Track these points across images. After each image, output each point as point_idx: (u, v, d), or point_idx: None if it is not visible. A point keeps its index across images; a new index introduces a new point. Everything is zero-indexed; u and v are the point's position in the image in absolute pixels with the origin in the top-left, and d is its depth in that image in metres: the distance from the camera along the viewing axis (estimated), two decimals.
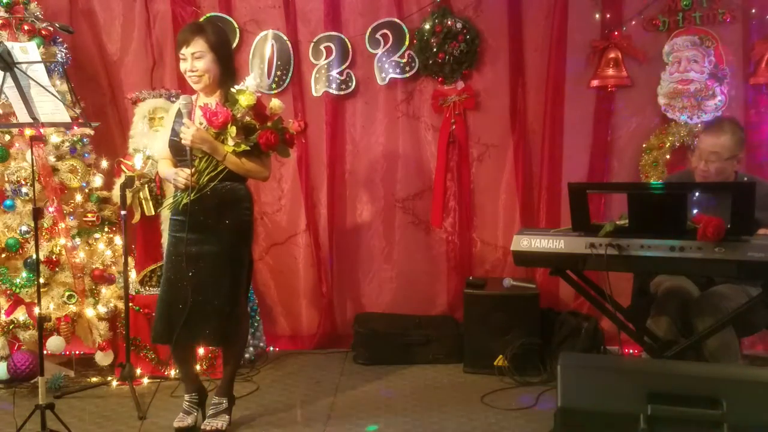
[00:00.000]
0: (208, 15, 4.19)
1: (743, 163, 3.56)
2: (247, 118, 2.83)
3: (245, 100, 2.78)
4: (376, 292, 4.40)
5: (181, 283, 2.91)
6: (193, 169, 2.83)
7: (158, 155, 3.20)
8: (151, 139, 3.75)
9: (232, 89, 2.84)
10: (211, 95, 2.93)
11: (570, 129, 4.19)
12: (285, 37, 4.23)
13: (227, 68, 2.93)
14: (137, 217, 3.84)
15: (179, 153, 2.91)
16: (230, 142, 2.81)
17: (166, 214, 3.45)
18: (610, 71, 4.09)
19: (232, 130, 2.79)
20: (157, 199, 3.80)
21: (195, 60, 2.85)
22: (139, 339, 3.78)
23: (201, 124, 2.85)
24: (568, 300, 4.23)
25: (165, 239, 3.51)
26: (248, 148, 2.82)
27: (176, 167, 2.95)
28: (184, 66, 2.90)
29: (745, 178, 3.20)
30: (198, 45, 2.84)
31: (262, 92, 2.87)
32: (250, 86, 2.81)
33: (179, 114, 2.95)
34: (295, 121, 2.90)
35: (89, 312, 3.75)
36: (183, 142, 2.81)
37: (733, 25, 4.00)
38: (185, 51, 2.86)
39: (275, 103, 2.88)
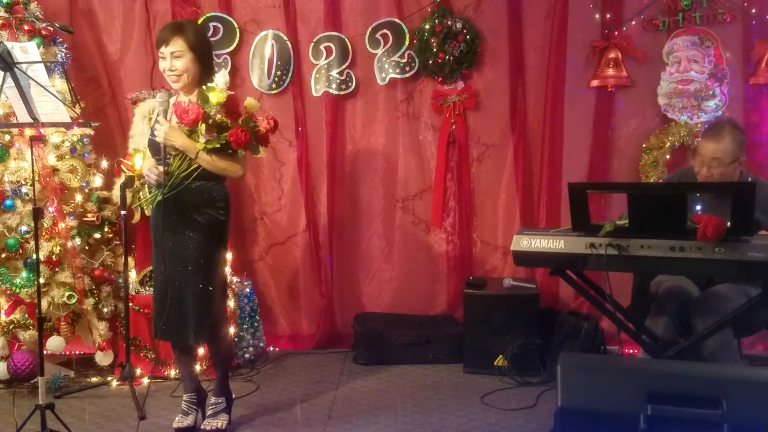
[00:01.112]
0: (208, 15, 4.19)
1: (744, 164, 3.56)
2: (219, 116, 2.83)
3: (215, 98, 2.79)
4: (376, 292, 4.40)
5: (162, 279, 2.96)
6: (165, 167, 2.82)
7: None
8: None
9: (203, 87, 2.86)
10: (190, 94, 2.94)
11: (570, 129, 4.19)
12: (285, 37, 4.23)
13: (206, 68, 2.94)
14: (137, 217, 3.85)
15: (156, 152, 2.91)
16: (201, 140, 2.81)
17: None
18: (610, 71, 4.10)
19: (202, 127, 2.79)
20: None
21: (174, 59, 2.86)
22: (139, 339, 3.78)
23: (177, 122, 2.85)
24: (568, 300, 4.23)
25: None
26: (218, 145, 2.81)
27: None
28: (163, 65, 2.91)
29: (750, 179, 3.20)
30: (177, 44, 2.85)
31: (230, 91, 2.89)
32: (219, 84, 2.81)
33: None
34: (264, 119, 2.89)
35: (89, 312, 3.75)
36: (156, 139, 2.83)
37: (733, 25, 4.00)
38: (164, 50, 2.87)
39: (250, 101, 2.89)
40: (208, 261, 2.95)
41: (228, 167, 2.91)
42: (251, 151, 2.94)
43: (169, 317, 2.91)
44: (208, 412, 3.12)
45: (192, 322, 2.94)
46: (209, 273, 2.96)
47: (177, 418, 3.09)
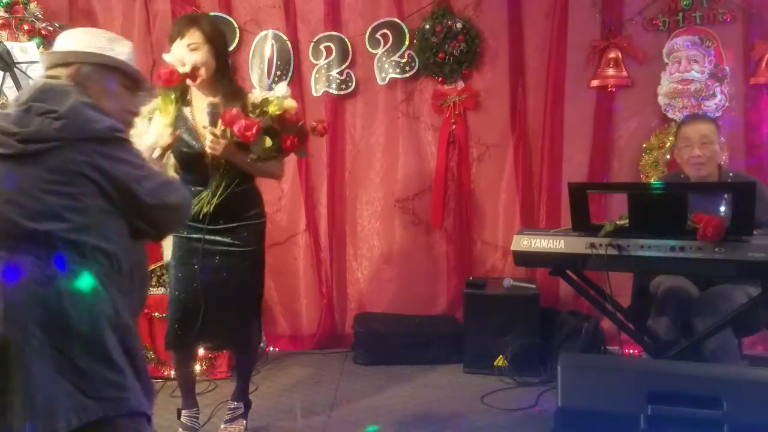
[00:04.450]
0: (208, 15, 4.19)
1: (725, 150, 3.63)
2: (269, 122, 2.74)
3: (275, 109, 2.67)
4: (376, 292, 4.40)
5: (193, 286, 2.77)
6: (214, 184, 2.70)
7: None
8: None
9: (251, 93, 2.75)
10: (207, 92, 2.76)
11: (570, 129, 4.19)
12: (285, 37, 4.22)
13: (224, 62, 2.77)
14: None
15: (191, 165, 2.73)
16: (257, 150, 2.69)
17: None
18: (610, 71, 4.09)
19: (267, 141, 2.67)
20: None
21: (190, 52, 2.66)
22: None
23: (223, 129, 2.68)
24: (568, 300, 4.23)
25: (166, 239, 3.46)
26: (275, 154, 2.73)
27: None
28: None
29: (731, 174, 3.23)
30: (194, 36, 2.67)
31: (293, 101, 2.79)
32: (280, 95, 2.71)
33: (182, 119, 2.73)
34: (318, 123, 2.85)
35: None
36: (210, 152, 2.63)
37: (734, 25, 4.00)
38: (179, 43, 2.69)
39: (290, 103, 2.75)
40: (252, 264, 2.85)
41: (275, 170, 2.86)
42: (299, 154, 2.90)
43: (204, 325, 2.75)
44: (226, 417, 3.06)
45: (232, 327, 2.83)
46: (256, 274, 2.88)
47: None
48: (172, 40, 2.73)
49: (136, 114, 2.03)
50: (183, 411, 3.01)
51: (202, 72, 2.70)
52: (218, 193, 2.71)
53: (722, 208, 3.00)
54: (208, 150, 2.64)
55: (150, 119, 2.94)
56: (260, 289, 2.95)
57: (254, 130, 2.59)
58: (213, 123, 2.62)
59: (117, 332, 1.68)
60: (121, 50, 1.93)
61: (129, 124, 2.00)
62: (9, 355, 1.58)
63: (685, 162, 3.18)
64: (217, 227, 2.77)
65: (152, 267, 3.88)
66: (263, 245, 2.93)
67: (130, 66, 1.94)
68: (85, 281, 1.64)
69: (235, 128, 2.59)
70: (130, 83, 1.95)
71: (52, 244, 1.63)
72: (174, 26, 2.80)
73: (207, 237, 2.75)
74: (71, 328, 1.61)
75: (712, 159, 3.11)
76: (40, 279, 1.61)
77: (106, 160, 1.70)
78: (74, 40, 1.90)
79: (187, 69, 2.66)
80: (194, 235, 2.77)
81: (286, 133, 2.74)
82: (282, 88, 2.74)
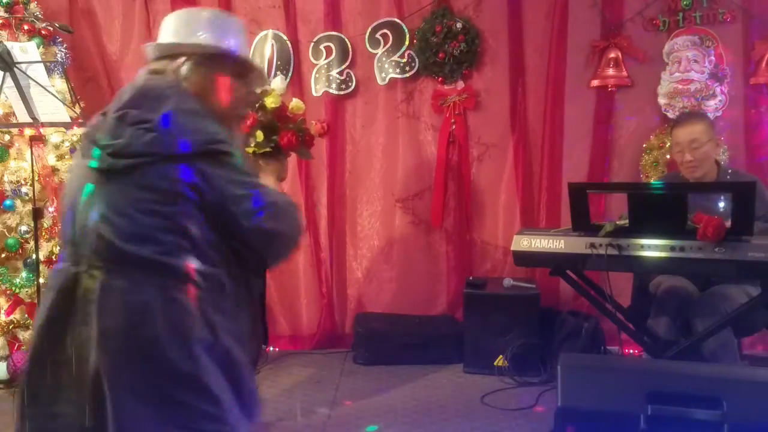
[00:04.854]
0: None
1: (720, 145, 3.62)
2: (269, 118, 2.76)
3: (272, 102, 2.68)
4: (376, 292, 4.40)
5: None
6: None
7: None
8: None
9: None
10: None
11: (570, 129, 4.19)
12: (285, 37, 4.23)
13: None
14: None
15: None
16: (252, 144, 2.71)
17: None
18: (610, 71, 4.09)
19: (259, 134, 2.69)
20: None
21: None
22: None
23: None
24: (568, 300, 4.22)
25: None
26: (270, 149, 2.74)
27: None
28: None
29: (729, 171, 3.23)
30: None
31: (296, 98, 2.79)
32: (277, 88, 2.72)
33: None
34: (317, 123, 2.85)
35: None
36: None
37: (734, 25, 3.99)
38: None
39: (296, 103, 2.77)
40: None
41: (276, 170, 2.84)
42: (300, 155, 2.88)
43: None
44: None
45: None
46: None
47: None
48: None
49: (250, 103, 1.83)
50: None
51: None
52: None
53: (721, 204, 3.01)
54: None
55: None
56: (265, 281, 2.91)
57: (248, 123, 2.62)
58: None
59: (215, 359, 1.57)
60: (231, 35, 1.76)
61: (242, 117, 1.81)
62: (100, 384, 1.51)
63: (680, 165, 3.20)
64: None
65: None
66: None
67: (239, 53, 1.77)
68: (180, 307, 1.55)
69: None
70: (242, 69, 1.79)
71: (146, 268, 1.53)
72: None
73: None
74: (164, 358, 1.52)
75: (704, 161, 3.12)
76: (134, 304, 1.52)
77: (202, 177, 1.55)
78: (179, 26, 1.74)
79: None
80: None
81: (284, 129, 2.74)
82: (278, 81, 2.73)
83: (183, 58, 1.70)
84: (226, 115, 1.73)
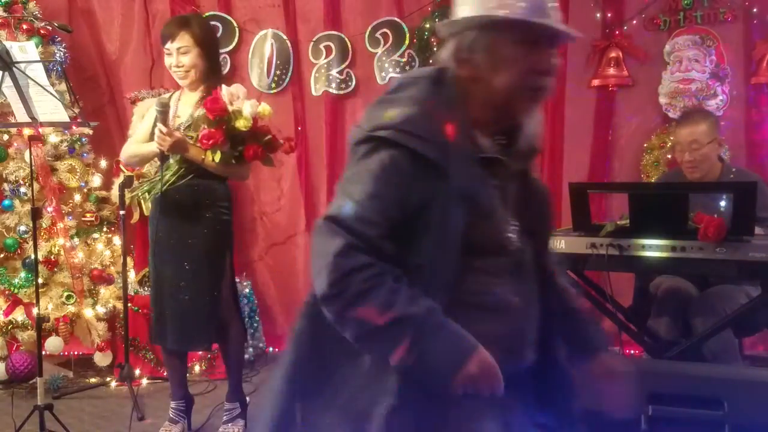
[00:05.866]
0: (207, 14, 4.17)
1: (723, 145, 3.61)
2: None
3: (244, 125, 2.66)
4: None
5: (159, 281, 2.88)
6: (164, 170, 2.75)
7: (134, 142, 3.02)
8: None
9: (221, 90, 2.71)
10: (195, 90, 2.84)
11: (570, 129, 4.17)
12: (284, 37, 4.22)
13: (213, 63, 2.86)
14: (136, 216, 3.84)
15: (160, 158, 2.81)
16: (215, 155, 2.69)
17: None
18: (611, 71, 4.08)
19: (219, 155, 2.68)
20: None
21: (181, 55, 2.76)
22: (138, 339, 3.77)
23: (178, 117, 2.79)
24: None
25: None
26: (233, 161, 2.74)
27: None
28: (169, 61, 2.82)
29: (734, 170, 3.22)
30: (183, 39, 2.75)
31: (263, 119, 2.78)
32: (247, 113, 2.67)
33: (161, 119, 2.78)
34: (285, 142, 2.84)
35: (88, 312, 3.75)
36: (158, 148, 2.68)
37: (735, 25, 3.98)
38: (170, 46, 2.77)
39: (264, 108, 2.74)
40: (212, 261, 2.85)
41: (236, 172, 2.86)
42: (264, 163, 2.88)
43: (170, 319, 2.82)
44: (224, 418, 3.03)
45: (196, 324, 2.84)
46: (214, 274, 2.86)
47: (164, 426, 2.97)
48: (163, 42, 2.83)
49: (542, 72, 1.48)
50: (171, 402, 3.02)
51: (192, 74, 2.80)
52: (167, 182, 2.74)
53: (722, 203, 3.00)
54: (156, 145, 2.70)
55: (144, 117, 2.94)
56: (220, 283, 2.88)
57: (211, 142, 2.63)
58: (162, 121, 2.68)
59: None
60: None
61: (536, 89, 1.46)
62: None
63: (680, 164, 3.20)
64: (178, 224, 2.81)
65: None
66: (226, 243, 2.92)
67: (524, 18, 1.39)
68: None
69: (202, 139, 2.65)
70: (530, 36, 1.43)
71: None
72: (165, 28, 2.85)
73: (169, 233, 2.81)
74: None
75: (702, 162, 3.11)
76: None
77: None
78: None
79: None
80: (157, 234, 2.84)
81: (251, 143, 2.73)
82: (248, 107, 2.70)
83: (459, 36, 1.43)
84: None
